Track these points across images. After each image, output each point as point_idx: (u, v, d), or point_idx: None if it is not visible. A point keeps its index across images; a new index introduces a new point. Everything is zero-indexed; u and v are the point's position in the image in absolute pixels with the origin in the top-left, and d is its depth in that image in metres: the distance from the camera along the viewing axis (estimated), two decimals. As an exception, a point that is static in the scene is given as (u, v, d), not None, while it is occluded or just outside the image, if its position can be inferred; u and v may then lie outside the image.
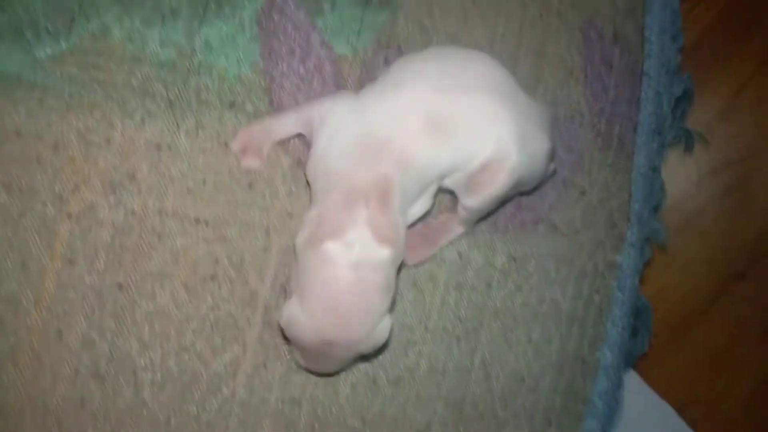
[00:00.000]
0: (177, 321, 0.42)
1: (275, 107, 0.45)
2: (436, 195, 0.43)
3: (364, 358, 0.42)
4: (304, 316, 0.37)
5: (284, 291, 0.45)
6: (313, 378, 0.46)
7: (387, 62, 0.48)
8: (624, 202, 0.59)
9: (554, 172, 0.50)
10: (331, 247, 0.36)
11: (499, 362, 0.52)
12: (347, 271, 0.36)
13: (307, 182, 0.42)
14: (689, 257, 0.91)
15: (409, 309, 0.49)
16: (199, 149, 0.43)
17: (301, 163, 0.46)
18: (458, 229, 0.47)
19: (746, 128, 0.92)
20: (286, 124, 0.43)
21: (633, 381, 0.87)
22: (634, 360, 0.69)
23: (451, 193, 0.44)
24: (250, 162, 0.43)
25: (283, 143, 0.45)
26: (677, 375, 0.90)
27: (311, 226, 0.38)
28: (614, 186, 0.58)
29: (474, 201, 0.43)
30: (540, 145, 0.43)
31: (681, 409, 0.88)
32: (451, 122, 0.39)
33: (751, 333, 0.91)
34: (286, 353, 0.45)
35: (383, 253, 0.37)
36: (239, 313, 0.44)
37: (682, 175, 0.91)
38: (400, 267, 0.40)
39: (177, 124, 0.43)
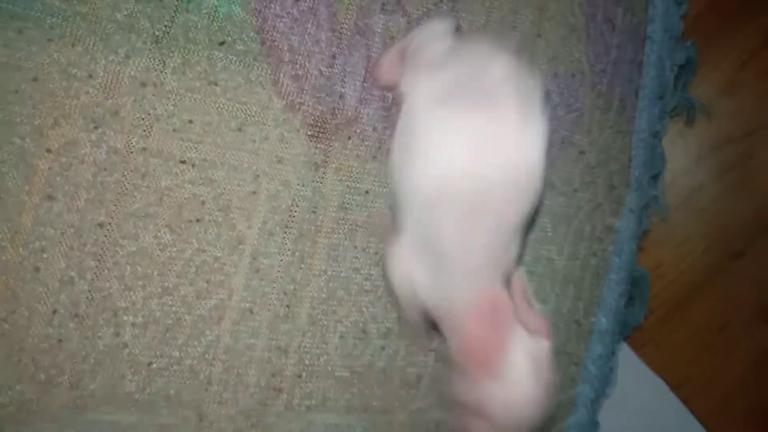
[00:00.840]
0: (160, 263, 0.40)
1: (267, 49, 0.43)
2: None
3: None
4: None
5: (272, 235, 0.43)
6: (301, 326, 0.44)
7: (384, 9, 0.46)
8: (624, 165, 0.57)
9: None
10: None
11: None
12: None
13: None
14: (687, 234, 0.89)
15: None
16: (186, 88, 0.41)
17: (293, 106, 0.44)
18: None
19: (748, 105, 0.90)
20: None
21: (628, 358, 0.85)
22: (629, 330, 0.68)
23: None
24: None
25: (275, 83, 0.43)
26: (672, 352, 0.88)
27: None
28: (614, 148, 0.56)
29: None
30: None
31: (675, 387, 0.86)
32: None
33: (748, 311, 0.90)
34: (275, 301, 0.43)
35: (544, 345, 0.35)
36: (226, 258, 0.42)
37: (682, 151, 0.89)
38: None
39: (163, 61, 0.41)
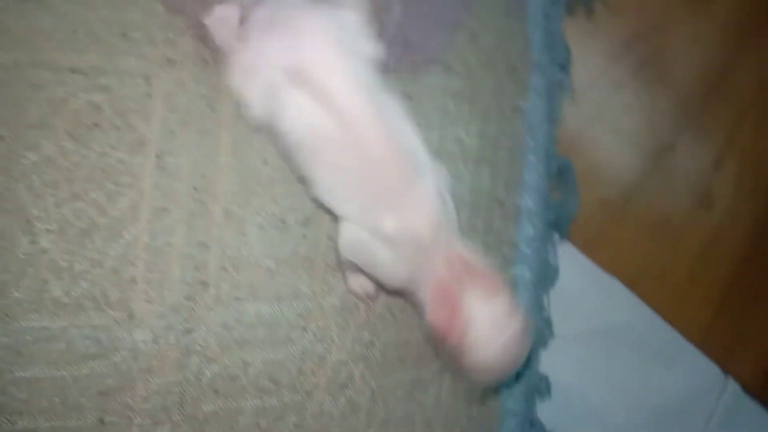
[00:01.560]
0: (65, 170, 0.41)
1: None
2: None
3: None
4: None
5: (173, 134, 0.44)
6: (217, 220, 0.46)
7: None
8: (522, 48, 0.59)
9: None
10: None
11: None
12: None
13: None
14: (615, 133, 0.91)
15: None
16: (68, 1, 0.42)
17: (177, 10, 0.45)
18: None
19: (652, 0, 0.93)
20: None
21: (581, 262, 0.87)
22: (567, 225, 0.69)
23: None
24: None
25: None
26: (622, 251, 0.90)
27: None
28: (509, 32, 0.58)
29: None
30: None
31: (630, 284, 0.89)
32: None
33: (687, 201, 0.93)
34: (187, 198, 0.45)
35: (500, 301, 0.39)
36: (130, 160, 0.43)
37: (595, 52, 0.92)
38: None
39: (39, -23, 0.42)
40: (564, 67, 0.68)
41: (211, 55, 0.45)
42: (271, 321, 0.47)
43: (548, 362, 0.70)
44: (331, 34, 0.39)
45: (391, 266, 0.40)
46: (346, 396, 0.49)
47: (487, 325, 0.38)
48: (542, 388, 0.66)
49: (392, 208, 0.38)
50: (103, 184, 0.42)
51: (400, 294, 0.44)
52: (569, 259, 0.82)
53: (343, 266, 0.44)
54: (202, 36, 0.45)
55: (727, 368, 0.92)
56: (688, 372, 0.91)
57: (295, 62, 0.38)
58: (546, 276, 0.66)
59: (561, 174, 0.69)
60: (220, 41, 0.42)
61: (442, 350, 0.41)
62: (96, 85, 0.43)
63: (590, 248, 0.89)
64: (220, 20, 0.43)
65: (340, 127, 0.37)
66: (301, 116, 0.38)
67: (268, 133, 0.42)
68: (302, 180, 0.43)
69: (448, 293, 0.38)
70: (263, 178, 0.47)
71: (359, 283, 0.45)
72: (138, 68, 0.43)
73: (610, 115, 0.92)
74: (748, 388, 0.92)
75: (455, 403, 0.55)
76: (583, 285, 0.85)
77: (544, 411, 0.69)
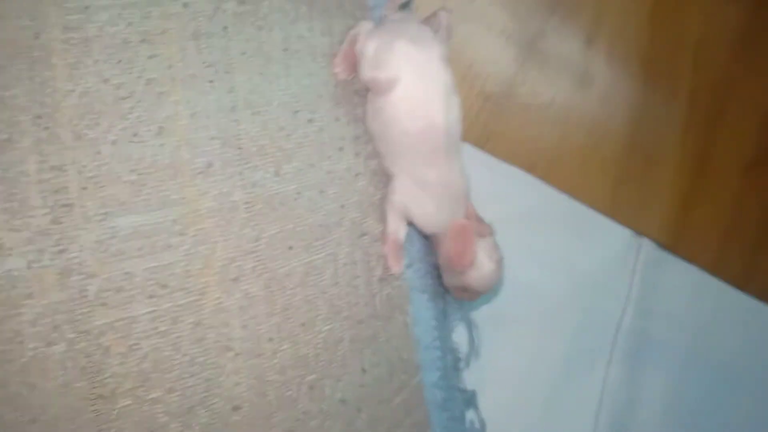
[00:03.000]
0: None
1: None
2: None
3: None
4: None
5: (3, 69, 0.44)
6: (68, 143, 0.46)
7: None
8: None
9: None
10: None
11: (263, 98, 0.53)
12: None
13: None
14: (486, 28, 0.94)
15: (150, 65, 0.49)
16: None
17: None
18: None
19: None
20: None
21: (479, 157, 0.90)
22: None
23: None
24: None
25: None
26: (515, 141, 0.94)
27: None
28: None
29: None
30: None
31: (530, 169, 0.92)
32: None
33: (566, 83, 0.96)
34: (31, 126, 0.45)
35: (491, 240, 0.61)
36: (-37, 98, 0.43)
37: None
38: None
39: None
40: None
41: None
42: (147, 230, 0.48)
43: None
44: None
45: (434, 213, 0.55)
46: (240, 289, 0.51)
47: (485, 255, 0.56)
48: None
49: (435, 165, 0.54)
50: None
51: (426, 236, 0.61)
52: (467, 157, 0.85)
53: (390, 213, 0.58)
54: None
55: (638, 229, 0.97)
56: (604, 240, 0.96)
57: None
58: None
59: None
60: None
61: (450, 272, 0.59)
62: None
63: (484, 143, 0.93)
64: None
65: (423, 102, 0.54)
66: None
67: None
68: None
69: (465, 231, 0.55)
70: (107, 97, 0.47)
71: (395, 229, 0.59)
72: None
73: (478, 13, 0.94)
74: (661, 244, 0.97)
75: (355, 281, 0.57)
76: (485, 179, 0.89)
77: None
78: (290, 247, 0.54)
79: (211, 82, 0.51)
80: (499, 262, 0.57)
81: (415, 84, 0.53)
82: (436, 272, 0.65)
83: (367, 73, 0.53)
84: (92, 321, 0.45)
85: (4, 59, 0.45)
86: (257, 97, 0.54)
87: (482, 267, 0.56)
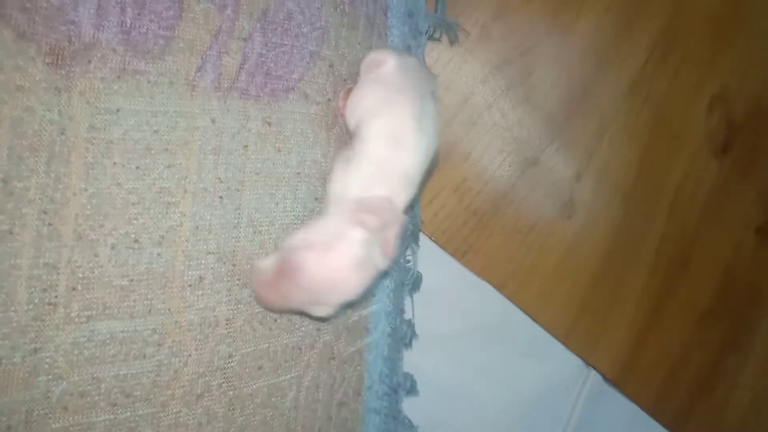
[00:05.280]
0: None
1: None
2: None
3: None
4: None
5: (21, 159, 0.44)
6: (68, 242, 0.46)
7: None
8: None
9: None
10: None
11: (267, 219, 0.54)
12: None
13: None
14: (484, 149, 0.97)
15: (165, 174, 0.50)
16: None
17: (26, 37, 0.45)
18: None
19: (519, 27, 1.00)
20: None
21: (452, 267, 0.93)
22: (418, 229, 0.74)
23: None
24: None
25: (3, 17, 0.44)
26: (492, 257, 0.96)
27: None
28: (369, 62, 0.62)
29: None
30: None
31: (500, 287, 0.95)
32: None
33: (549, 210, 1.00)
34: (35, 221, 0.45)
35: (380, 260, 0.49)
36: (-27, 185, 0.43)
37: (467, 75, 0.98)
38: None
39: None
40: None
41: (64, 82, 0.46)
42: (124, 338, 0.48)
43: (422, 359, 0.75)
44: None
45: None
46: (202, 406, 0.51)
47: (361, 247, 0.46)
48: (406, 385, 0.70)
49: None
50: (-58, 209, 0.42)
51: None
52: (443, 266, 0.88)
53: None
54: (55, 63, 0.46)
55: (589, 360, 1.00)
56: (555, 365, 0.99)
57: None
58: (405, 281, 0.70)
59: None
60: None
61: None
62: (-65, 111, 0.42)
63: (462, 255, 0.95)
64: None
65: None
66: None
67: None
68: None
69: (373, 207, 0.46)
70: (117, 201, 0.47)
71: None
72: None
73: (480, 133, 0.98)
74: (608, 378, 1.01)
75: (315, 404, 0.58)
76: (456, 289, 0.91)
77: (414, 407, 0.73)
78: (260, 368, 0.54)
79: (221, 198, 0.52)
80: (364, 274, 0.45)
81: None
82: (394, 393, 0.67)
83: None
84: (49, 424, 0.45)
85: (24, 150, 0.44)
86: (261, 217, 0.54)
87: (341, 252, 0.44)
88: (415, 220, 0.69)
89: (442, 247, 0.86)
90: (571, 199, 1.05)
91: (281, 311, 0.51)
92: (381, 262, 0.46)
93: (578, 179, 1.05)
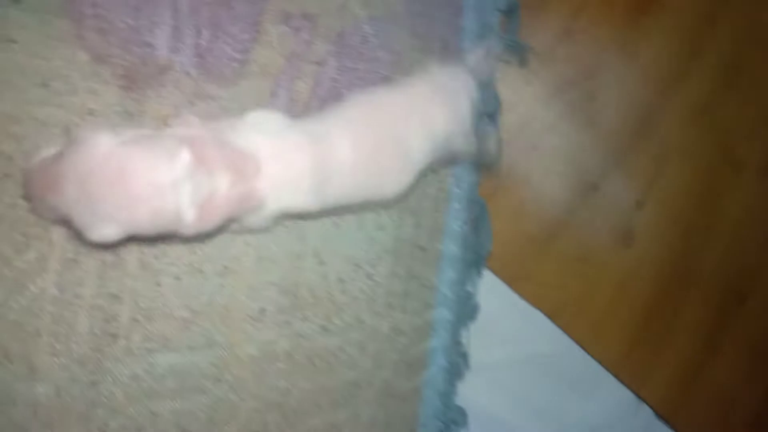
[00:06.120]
0: (-31, 221, 0.39)
1: (67, 3, 0.42)
2: None
3: None
4: None
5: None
6: (132, 272, 0.44)
7: None
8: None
9: None
10: None
11: (331, 249, 0.51)
12: None
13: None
14: (544, 173, 0.93)
15: (231, 202, 0.47)
16: (-20, 47, 0.40)
17: (101, 59, 0.43)
18: None
19: (585, 49, 0.95)
20: None
21: (504, 293, 0.89)
22: (483, 259, 0.70)
23: None
24: None
25: (79, 38, 0.42)
26: (546, 285, 0.92)
27: None
28: (440, 86, 0.58)
29: None
30: None
31: (552, 316, 0.90)
32: None
33: (607, 239, 0.95)
34: (99, 249, 0.43)
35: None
36: (41, 210, 0.41)
37: (529, 96, 0.93)
38: None
39: (-48, 22, 0.39)
40: (493, 117, 0.68)
41: (136, 107, 0.44)
42: (183, 371, 0.45)
43: (471, 390, 0.71)
44: None
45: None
46: (258, 443, 0.48)
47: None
48: (459, 419, 0.66)
49: None
50: (9, 236, 0.40)
51: None
52: (496, 292, 0.83)
53: None
54: (129, 86, 0.44)
55: (640, 394, 0.95)
56: (606, 398, 0.94)
57: None
58: (466, 314, 0.67)
59: (478, 216, 0.70)
60: None
61: None
62: (8, 134, 0.40)
63: (516, 281, 0.91)
64: None
65: None
66: None
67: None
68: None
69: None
70: (182, 229, 0.45)
71: None
72: (57, 118, 0.41)
73: (540, 157, 0.93)
74: (659, 413, 0.95)
75: (370, 443, 0.55)
76: (508, 316, 0.87)
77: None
78: (317, 404, 0.51)
79: (286, 227, 0.49)
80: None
81: None
82: (447, 429, 0.63)
83: None
84: (105, 458, 0.42)
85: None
86: (326, 247, 0.51)
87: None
88: (481, 251, 0.65)
89: (495, 273, 0.81)
90: (630, 228, 0.99)
91: (47, 213, 0.36)
92: (185, 214, 0.33)
93: (639, 207, 1.00)
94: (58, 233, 0.41)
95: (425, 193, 0.56)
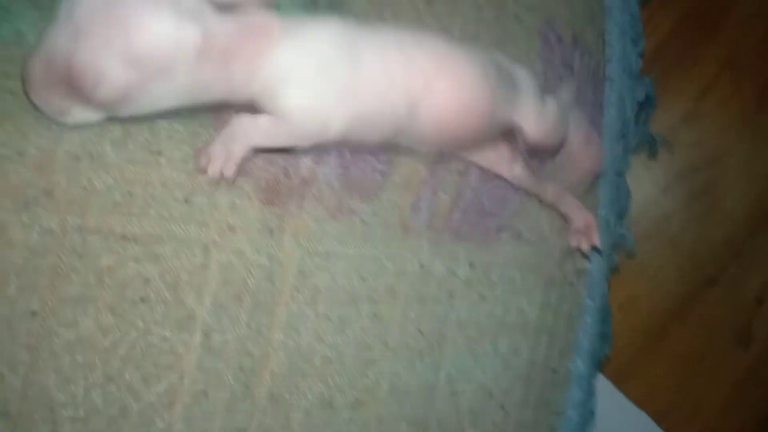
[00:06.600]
0: (102, 349, 0.36)
1: (214, 115, 0.39)
2: None
3: None
4: None
5: (224, 309, 0.38)
6: (261, 405, 0.40)
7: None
8: (590, 207, 0.53)
9: None
10: None
11: (465, 377, 0.46)
12: None
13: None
14: (659, 264, 0.86)
15: (367, 326, 0.43)
16: (127, 160, 0.37)
17: (243, 171, 0.40)
18: None
19: (709, 133, 0.88)
20: None
21: (610, 392, 0.82)
22: (599, 365, 0.64)
23: None
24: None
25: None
26: (653, 384, 0.85)
27: None
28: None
29: None
30: None
31: (659, 419, 0.83)
32: None
33: (724, 338, 0.87)
34: (231, 380, 0.39)
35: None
36: (175, 338, 0.37)
37: (648, 182, 0.87)
38: None
39: (101, 133, 0.37)
40: (621, 216, 0.63)
41: (277, 222, 0.40)
42: None
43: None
44: None
45: None
46: None
47: None
48: None
49: None
50: (141, 365, 0.37)
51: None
52: (600, 390, 0.76)
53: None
54: (271, 200, 0.40)
55: None
56: None
57: None
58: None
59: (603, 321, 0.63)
60: None
61: None
62: (148, 254, 0.37)
63: (622, 379, 0.84)
64: None
65: None
66: None
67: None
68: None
69: None
70: (316, 358, 0.41)
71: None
72: (197, 236, 0.38)
73: (656, 246, 0.87)
74: None
75: None
76: (613, 418, 0.79)
77: None
78: None
79: (420, 354, 0.44)
80: None
81: None
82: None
83: None
84: None
85: (229, 299, 0.38)
86: (459, 376, 0.46)
87: None
88: (600, 356, 0.58)
89: (599, 369, 0.73)
90: (749, 327, 0.91)
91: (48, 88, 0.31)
92: (186, 35, 0.31)
93: (759, 304, 0.91)
94: (190, 363, 0.36)
95: (560, 310, 0.50)
